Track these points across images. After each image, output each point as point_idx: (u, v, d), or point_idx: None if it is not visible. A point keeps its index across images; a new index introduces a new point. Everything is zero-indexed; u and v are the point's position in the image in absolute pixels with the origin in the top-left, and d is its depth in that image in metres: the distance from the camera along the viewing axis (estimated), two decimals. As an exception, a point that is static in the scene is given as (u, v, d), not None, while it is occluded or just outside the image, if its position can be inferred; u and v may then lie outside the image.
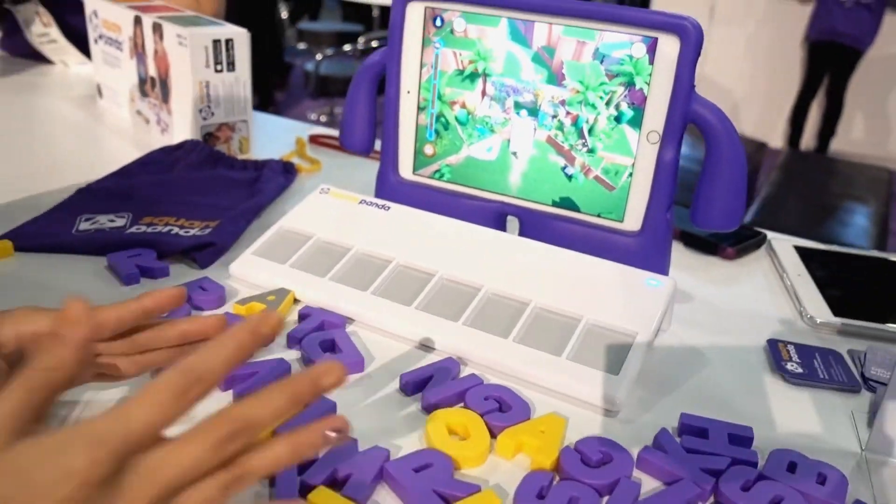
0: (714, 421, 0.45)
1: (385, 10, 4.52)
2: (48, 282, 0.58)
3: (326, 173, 0.87)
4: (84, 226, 0.63)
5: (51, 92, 1.13)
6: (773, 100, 4.25)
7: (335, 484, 0.38)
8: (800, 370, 0.52)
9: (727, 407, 0.49)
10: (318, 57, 2.74)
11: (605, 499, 0.39)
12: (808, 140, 4.11)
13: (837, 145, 4.08)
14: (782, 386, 0.52)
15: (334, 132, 1.00)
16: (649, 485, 0.41)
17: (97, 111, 1.05)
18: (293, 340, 0.51)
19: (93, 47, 1.03)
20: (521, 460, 0.42)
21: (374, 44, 2.65)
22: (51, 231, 0.62)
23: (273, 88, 3.81)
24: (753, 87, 4.33)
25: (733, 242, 0.71)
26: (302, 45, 3.76)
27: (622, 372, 0.48)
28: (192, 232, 0.62)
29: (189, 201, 0.69)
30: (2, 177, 0.79)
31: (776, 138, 4.14)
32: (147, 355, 0.40)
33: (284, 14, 4.18)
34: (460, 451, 0.41)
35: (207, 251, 0.60)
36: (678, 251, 0.72)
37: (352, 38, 3.72)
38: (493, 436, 0.43)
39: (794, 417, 0.48)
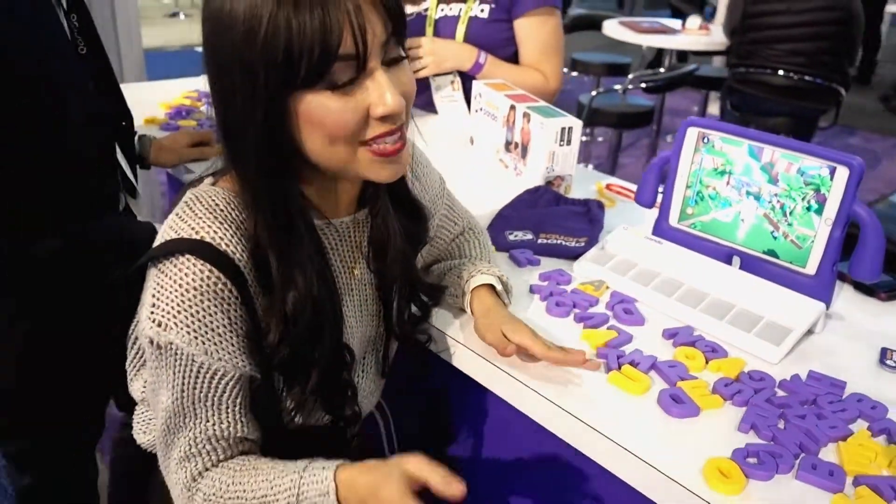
0: (826, 375, 0.88)
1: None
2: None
3: (618, 209, 1.38)
4: (511, 238, 1.20)
5: (433, 136, 1.77)
6: None
7: (632, 365, 0.89)
8: (894, 364, 0.92)
9: (839, 374, 0.91)
10: (594, 93, 3.26)
11: (757, 394, 0.85)
12: None
13: None
14: (880, 371, 0.92)
15: (623, 182, 1.50)
16: (782, 394, 0.86)
17: (468, 154, 1.65)
18: (608, 306, 1.03)
19: (473, 113, 1.64)
20: (718, 373, 0.89)
21: (643, 85, 3.09)
22: (498, 241, 1.19)
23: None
24: None
25: (886, 289, 1.09)
26: (574, 73, 4.31)
27: (781, 345, 0.93)
28: (572, 244, 1.16)
29: (558, 224, 1.22)
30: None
31: None
32: None
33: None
34: (691, 362, 0.90)
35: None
36: (849, 291, 1.12)
37: (619, 69, 4.18)
38: (707, 361, 0.91)
39: (880, 388, 0.89)
